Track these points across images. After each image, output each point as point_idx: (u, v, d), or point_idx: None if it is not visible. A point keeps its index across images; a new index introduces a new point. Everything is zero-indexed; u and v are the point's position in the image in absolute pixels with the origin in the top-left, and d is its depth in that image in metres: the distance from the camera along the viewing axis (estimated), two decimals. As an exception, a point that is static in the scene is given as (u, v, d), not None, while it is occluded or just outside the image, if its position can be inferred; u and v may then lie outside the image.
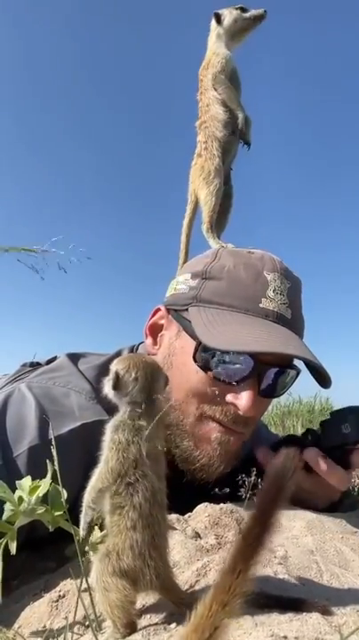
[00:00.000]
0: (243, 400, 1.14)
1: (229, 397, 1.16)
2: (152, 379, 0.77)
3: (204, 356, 1.18)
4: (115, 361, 0.80)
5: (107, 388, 0.78)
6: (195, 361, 1.19)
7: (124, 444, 0.71)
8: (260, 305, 1.17)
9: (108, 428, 0.75)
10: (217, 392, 1.17)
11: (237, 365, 1.16)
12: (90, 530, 0.78)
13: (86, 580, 0.74)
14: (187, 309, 1.25)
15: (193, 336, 1.19)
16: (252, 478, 0.82)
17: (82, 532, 0.77)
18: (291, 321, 1.20)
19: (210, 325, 1.17)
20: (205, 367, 1.18)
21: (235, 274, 1.22)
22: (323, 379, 1.21)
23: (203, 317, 1.20)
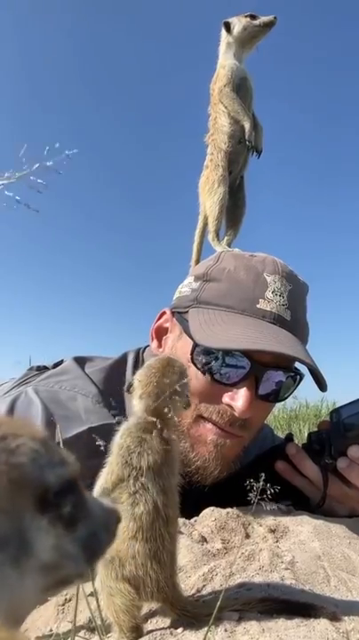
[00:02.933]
0: (238, 401, 1.14)
1: (226, 398, 1.16)
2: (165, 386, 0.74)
3: (202, 356, 1.17)
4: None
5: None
6: (193, 361, 1.18)
7: (125, 451, 0.70)
8: (257, 306, 1.17)
9: (118, 432, 0.75)
10: (214, 393, 1.17)
11: (234, 366, 1.16)
12: None
13: (92, 584, 0.74)
14: (187, 311, 1.26)
15: (190, 337, 1.20)
16: (261, 483, 0.81)
17: None
18: (291, 322, 1.19)
19: (205, 325, 1.17)
20: (202, 368, 1.18)
21: (235, 275, 1.22)
22: (319, 381, 1.21)
23: (199, 318, 1.20)
